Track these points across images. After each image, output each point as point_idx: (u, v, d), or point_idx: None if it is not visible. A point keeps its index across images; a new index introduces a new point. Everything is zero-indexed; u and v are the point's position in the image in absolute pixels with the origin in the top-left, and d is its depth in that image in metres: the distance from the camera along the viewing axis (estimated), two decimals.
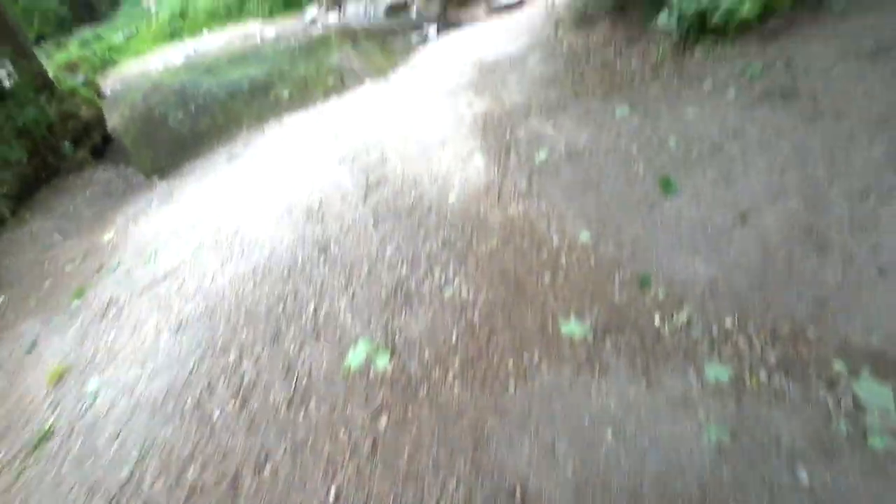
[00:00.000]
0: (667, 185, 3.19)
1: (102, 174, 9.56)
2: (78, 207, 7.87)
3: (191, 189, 6.33)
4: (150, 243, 4.82)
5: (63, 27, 29.21)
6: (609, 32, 7.22)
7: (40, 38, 28.15)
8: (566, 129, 4.23)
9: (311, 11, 21.83)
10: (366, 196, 4.22)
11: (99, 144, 10.88)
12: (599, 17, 7.94)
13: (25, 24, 25.21)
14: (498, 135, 4.58)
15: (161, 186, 7.47)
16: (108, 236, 5.62)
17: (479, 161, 4.18)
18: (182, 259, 4.25)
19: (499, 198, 3.73)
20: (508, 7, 12.60)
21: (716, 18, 4.65)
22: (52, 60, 22.53)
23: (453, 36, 11.07)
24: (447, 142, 4.67)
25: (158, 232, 5.08)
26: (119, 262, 4.63)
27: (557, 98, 5.09)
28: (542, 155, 3.91)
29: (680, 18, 5.02)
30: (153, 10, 28.08)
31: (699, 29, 5.08)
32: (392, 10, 16.75)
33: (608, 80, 5.15)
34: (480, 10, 13.54)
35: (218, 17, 25.36)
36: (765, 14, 4.42)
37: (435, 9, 14.86)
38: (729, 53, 4.46)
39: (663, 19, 5.25)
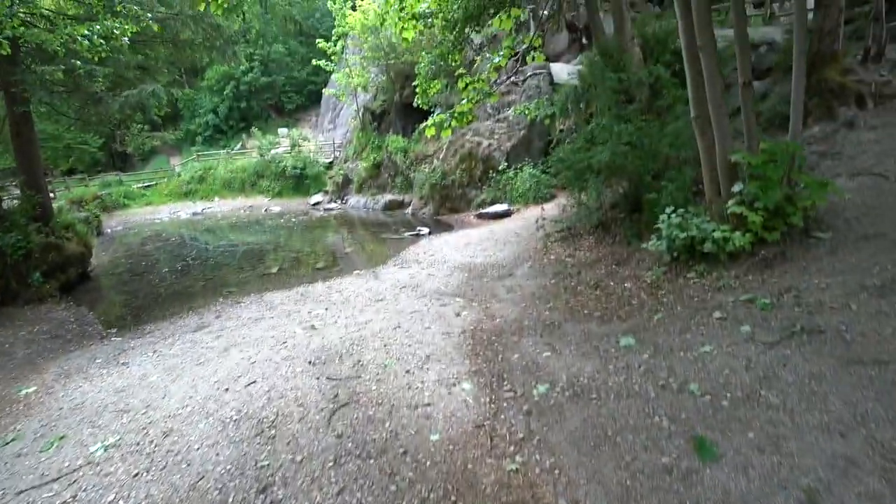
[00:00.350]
0: (703, 449, 2.54)
1: (60, 313, 8.85)
2: (14, 344, 7.09)
3: (141, 357, 5.76)
4: (62, 420, 4.14)
5: (95, 167, 31.78)
6: (595, 248, 7.42)
7: (72, 172, 30.32)
8: (566, 356, 3.74)
9: (316, 197, 23.91)
10: (331, 417, 3.47)
11: (74, 280, 10.71)
12: (584, 233, 8.33)
13: (63, 159, 27.38)
14: (489, 356, 4.07)
15: (113, 344, 6.80)
16: (27, 390, 5.04)
17: (467, 389, 3.56)
18: (87, 458, 3.44)
19: (491, 444, 3.00)
20: (497, 216, 13.60)
21: (706, 247, 4.65)
22: (70, 192, 23.74)
23: (444, 237, 11.60)
24: (432, 359, 4.12)
25: (81, 406, 4.41)
26: (15, 437, 3.91)
27: (552, 317, 4.76)
28: (540, 388, 3.33)
29: (670, 245, 5.05)
30: (177, 170, 30.99)
31: (689, 253, 5.09)
32: (390, 206, 18.24)
33: (604, 300, 4.92)
34: (471, 216, 14.62)
35: (232, 188, 27.68)
36: (755, 244, 4.41)
37: (429, 210, 16.12)
38: (727, 280, 4.30)
39: (653, 244, 5.31)
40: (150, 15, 7.51)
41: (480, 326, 4.86)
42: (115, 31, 6.24)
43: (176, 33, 12.08)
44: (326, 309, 6.73)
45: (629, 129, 7.00)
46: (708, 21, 4.36)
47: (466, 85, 6.26)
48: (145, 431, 3.75)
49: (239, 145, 34.08)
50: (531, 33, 6.78)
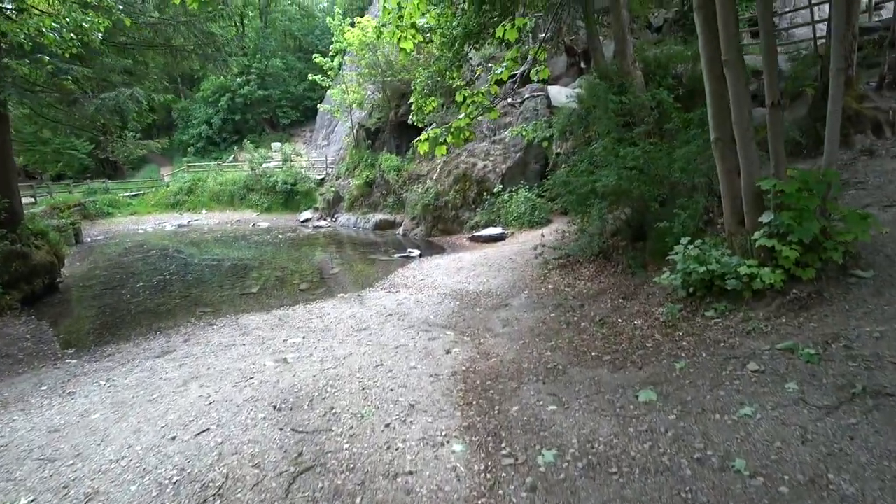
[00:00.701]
0: None
1: (16, 328, 8.14)
2: None
3: (91, 387, 5.12)
4: None
5: (84, 173, 31.06)
6: (596, 278, 6.90)
7: (61, 177, 29.56)
8: (575, 412, 3.16)
9: (306, 213, 23.33)
10: (290, 486, 2.83)
11: (40, 291, 10.02)
12: (584, 261, 7.81)
13: (52, 164, 26.66)
14: (483, 406, 3.47)
15: (66, 367, 6.12)
16: None
17: (457, 452, 2.95)
18: None
19: None
20: (490, 239, 13.10)
21: (729, 284, 4.13)
22: (52, 197, 22.86)
23: (435, 261, 11.04)
24: (417, 408, 3.51)
25: (4, 448, 3.78)
26: None
27: (554, 358, 4.19)
28: (547, 456, 2.73)
29: (685, 279, 4.54)
30: (166, 180, 30.32)
31: (706, 289, 4.57)
32: (380, 226, 17.69)
33: (612, 340, 4.36)
34: (463, 238, 14.10)
35: (220, 201, 27.01)
36: (786, 281, 3.90)
37: (420, 231, 15.60)
38: (756, 323, 3.77)
39: (666, 277, 4.79)
40: (120, 7, 7.04)
41: (473, 367, 4.27)
42: (83, 23, 5.74)
43: (168, 39, 11.66)
44: (304, 337, 6.11)
45: (635, 152, 6.57)
46: (734, 33, 3.94)
47: (465, 99, 5.80)
48: (66, 492, 3.09)
49: (231, 158, 33.59)
50: (536, 46, 6.37)
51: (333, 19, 21.05)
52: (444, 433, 3.15)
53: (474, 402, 3.54)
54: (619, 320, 4.86)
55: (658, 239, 6.60)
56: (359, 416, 3.45)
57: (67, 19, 5.76)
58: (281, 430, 3.40)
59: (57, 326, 8.66)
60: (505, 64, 5.62)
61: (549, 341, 4.70)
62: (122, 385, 5.16)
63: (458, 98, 5.92)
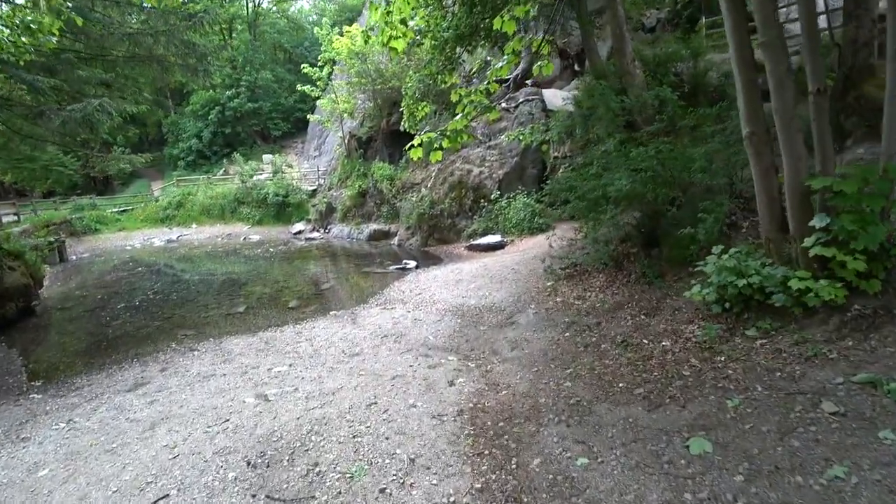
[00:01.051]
0: None
1: None
2: None
3: (49, 431, 4.54)
4: None
5: (73, 190, 30.45)
6: (608, 289, 6.34)
7: (51, 194, 28.91)
8: (612, 467, 2.57)
9: (298, 225, 22.69)
10: None
11: (13, 315, 9.37)
12: (592, 270, 7.26)
13: (41, 181, 26.01)
14: (498, 459, 2.87)
15: (28, 404, 5.50)
16: None
17: None
18: None
19: None
20: (489, 248, 12.54)
21: (777, 300, 3.57)
22: (36, 215, 22.08)
23: (433, 272, 10.45)
24: (418, 463, 2.91)
25: None
26: None
27: (576, 391, 3.60)
28: None
29: (720, 293, 3.98)
30: (156, 195, 29.65)
31: (743, 304, 4.02)
32: (375, 236, 17.09)
33: (641, 367, 3.78)
34: (461, 248, 13.52)
35: (211, 215, 26.24)
36: (848, 296, 3.34)
37: (416, 241, 15.01)
38: (816, 347, 3.19)
39: (697, 291, 4.23)
40: (69, 4, 6.49)
41: (482, 403, 3.67)
42: (32, 25, 5.21)
43: (149, 49, 11.13)
44: (290, 365, 5.51)
45: (648, 152, 6.04)
46: (772, 11, 3.42)
47: (461, 98, 5.26)
48: None
49: (222, 171, 32.97)
50: (541, 36, 5.85)
51: (321, 28, 20.60)
52: (452, 498, 2.55)
53: (486, 453, 2.94)
54: (645, 341, 4.29)
55: (676, 246, 6.05)
56: (348, 476, 2.84)
57: (15, 20, 5.20)
58: (254, 496, 2.79)
59: (27, 355, 8.03)
60: (506, 57, 5.09)
61: (566, 368, 4.12)
62: (83, 428, 4.55)
63: (454, 97, 5.38)
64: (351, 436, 3.27)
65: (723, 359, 3.54)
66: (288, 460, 3.11)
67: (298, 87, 22.84)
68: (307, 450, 3.18)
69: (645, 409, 3.12)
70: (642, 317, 4.92)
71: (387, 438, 3.18)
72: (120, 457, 3.65)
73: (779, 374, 3.08)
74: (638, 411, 3.10)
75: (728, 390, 3.08)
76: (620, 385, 3.56)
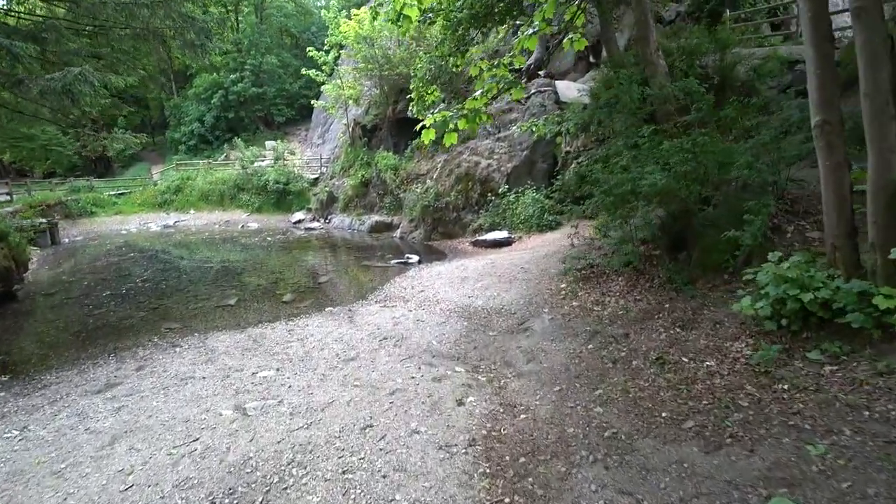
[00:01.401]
0: None
1: None
2: None
3: None
4: None
5: (73, 171, 30.02)
6: (630, 294, 5.76)
7: (52, 175, 28.49)
8: None
9: (298, 214, 22.08)
10: None
11: None
12: (610, 272, 6.68)
13: (40, 161, 25.50)
14: None
15: None
16: None
17: None
18: None
19: None
20: (496, 244, 11.95)
21: (853, 319, 2.99)
22: (30, 196, 21.56)
23: (436, 268, 9.88)
24: None
25: None
26: None
27: (610, 420, 3.02)
28: None
29: (776, 308, 3.39)
30: (155, 179, 29.08)
31: (803, 321, 3.44)
32: (376, 228, 16.51)
33: (686, 393, 3.19)
34: (466, 243, 12.92)
35: (210, 201, 25.61)
36: None
37: (419, 234, 14.43)
38: None
39: (748, 304, 3.63)
40: None
41: (498, 430, 3.10)
42: None
43: (144, 21, 10.49)
44: (278, 369, 4.94)
45: (685, 144, 5.43)
46: None
47: (481, 72, 4.63)
48: None
49: (223, 156, 32.33)
50: (574, 6, 5.20)
51: (328, 11, 19.90)
52: None
53: (507, 501, 2.38)
54: (684, 359, 3.71)
55: (711, 249, 5.46)
56: None
57: None
58: None
59: (0, 345, 7.49)
60: (536, 24, 4.46)
61: (594, 389, 3.54)
62: (36, 439, 4.00)
63: (474, 71, 4.76)
64: (340, 471, 2.70)
65: (786, 387, 2.96)
66: (261, 503, 2.54)
67: (304, 71, 22.16)
68: (286, 488, 2.61)
69: (701, 450, 2.55)
70: (677, 329, 4.33)
71: (384, 477, 2.61)
72: (66, 482, 3.09)
73: (867, 412, 2.50)
74: (693, 453, 2.53)
75: (804, 431, 2.50)
76: (664, 415, 2.98)
